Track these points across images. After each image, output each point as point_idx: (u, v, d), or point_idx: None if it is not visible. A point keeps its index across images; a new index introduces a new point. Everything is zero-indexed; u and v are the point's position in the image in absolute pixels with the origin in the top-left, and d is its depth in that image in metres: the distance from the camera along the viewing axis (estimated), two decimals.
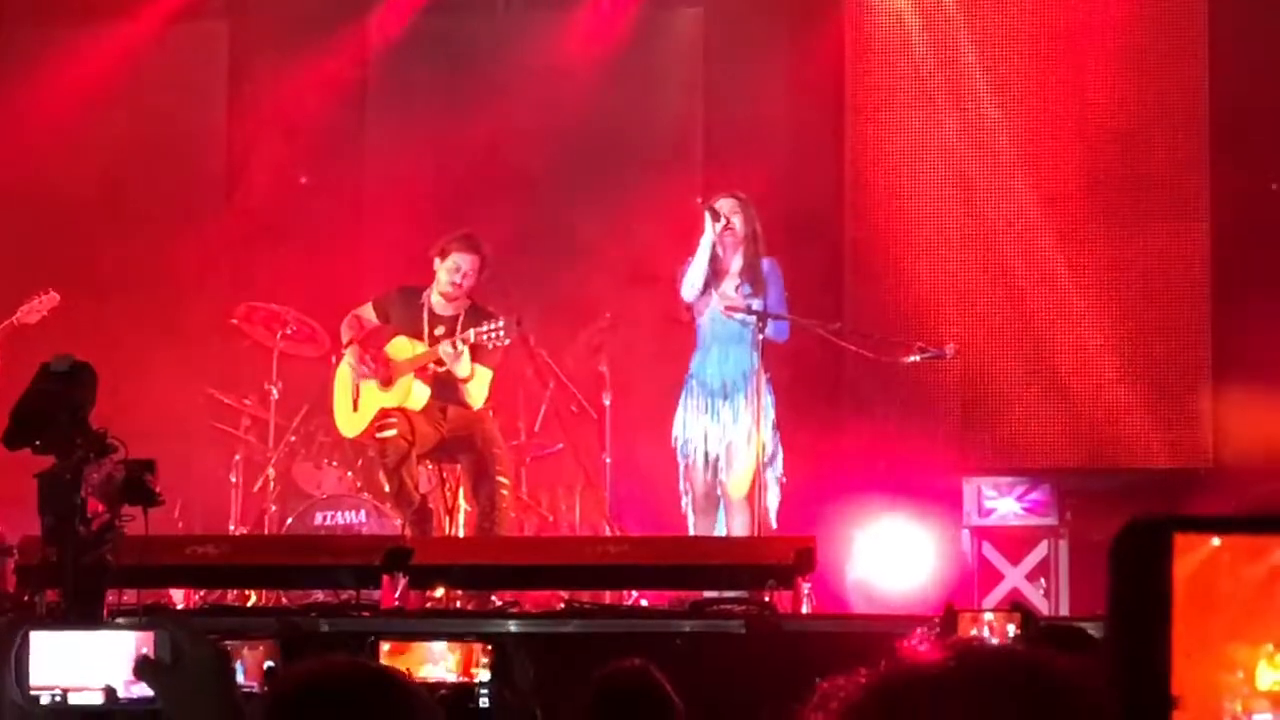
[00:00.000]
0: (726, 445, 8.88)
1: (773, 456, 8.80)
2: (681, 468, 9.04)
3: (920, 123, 10.10)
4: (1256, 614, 1.51)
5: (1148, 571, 1.49)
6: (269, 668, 3.26)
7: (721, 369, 8.96)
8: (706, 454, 8.94)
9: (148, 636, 2.28)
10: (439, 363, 9.28)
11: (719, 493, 8.94)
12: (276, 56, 11.47)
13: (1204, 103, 9.89)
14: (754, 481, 8.73)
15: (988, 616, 5.41)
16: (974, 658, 1.68)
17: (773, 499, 8.79)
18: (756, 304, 8.78)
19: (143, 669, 2.26)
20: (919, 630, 4.04)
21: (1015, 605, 6.12)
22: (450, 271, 9.32)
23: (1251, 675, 1.51)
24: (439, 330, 9.40)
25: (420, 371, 9.34)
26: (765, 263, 8.97)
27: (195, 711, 2.24)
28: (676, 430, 9.07)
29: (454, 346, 9.19)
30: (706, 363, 9.01)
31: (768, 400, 8.80)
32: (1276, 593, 1.51)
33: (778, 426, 8.89)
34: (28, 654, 2.31)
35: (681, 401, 9.05)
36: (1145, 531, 1.50)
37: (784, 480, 8.86)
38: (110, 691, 2.32)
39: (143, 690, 2.29)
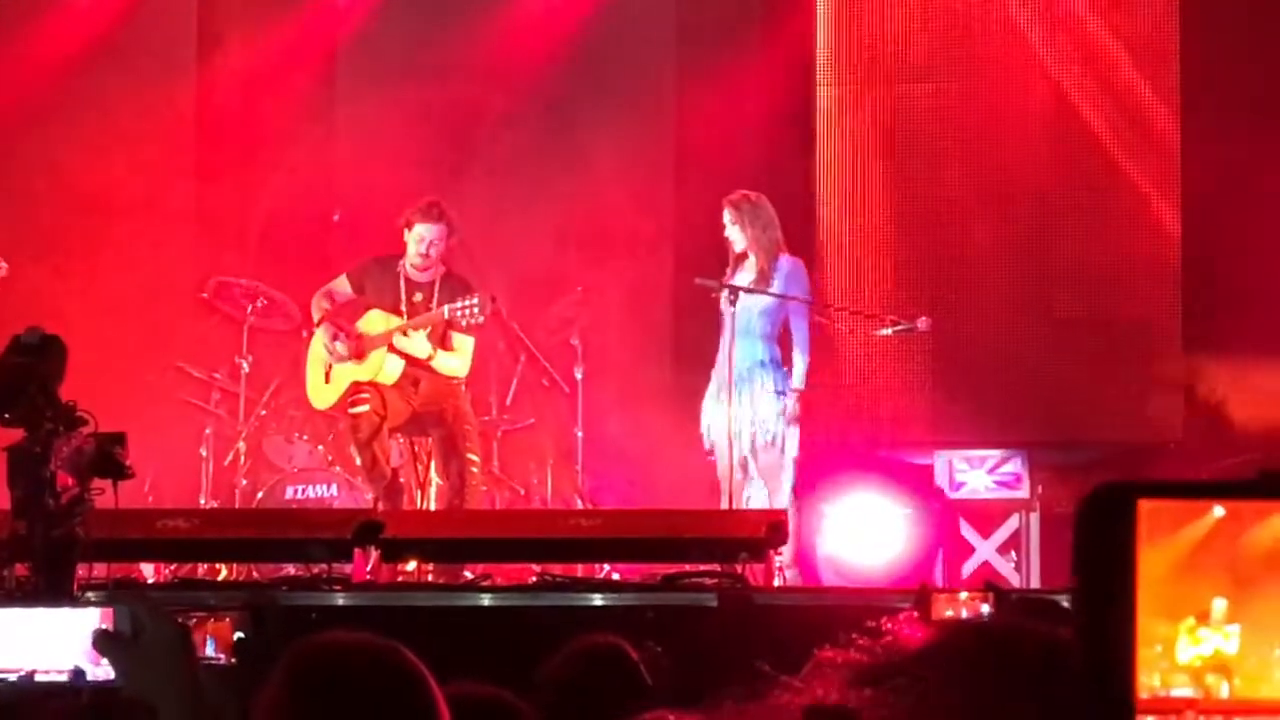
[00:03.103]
0: (738, 431, 8.93)
1: (774, 439, 8.88)
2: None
3: (892, 96, 10.10)
4: (1177, 588, 1.50)
5: (1113, 536, 1.49)
6: (239, 639, 3.25)
7: (736, 360, 8.98)
8: (724, 439, 8.97)
9: (108, 612, 2.27)
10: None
11: (737, 474, 8.97)
12: (246, 27, 11.41)
13: (1175, 75, 9.90)
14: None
15: (962, 596, 5.42)
16: (964, 631, 1.69)
17: (786, 479, 8.92)
18: (770, 301, 8.85)
19: (101, 643, 2.25)
20: (904, 613, 4.05)
21: (988, 585, 6.13)
22: (417, 242, 9.31)
23: (1171, 649, 1.50)
24: (417, 297, 9.40)
25: (393, 345, 9.33)
26: (783, 260, 8.98)
27: (155, 688, 2.23)
28: (702, 417, 9.13)
29: (405, 334, 9.21)
30: (727, 352, 9.06)
31: (769, 388, 8.88)
32: (1197, 567, 1.51)
33: (784, 414, 8.91)
34: None
35: (709, 389, 9.12)
36: (1109, 497, 1.49)
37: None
38: (78, 673, 2.30)
39: (109, 671, 2.27)
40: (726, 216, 9.01)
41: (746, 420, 8.91)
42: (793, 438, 8.93)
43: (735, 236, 8.98)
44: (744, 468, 8.95)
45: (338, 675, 2.55)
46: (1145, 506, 1.49)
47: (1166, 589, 1.49)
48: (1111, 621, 1.46)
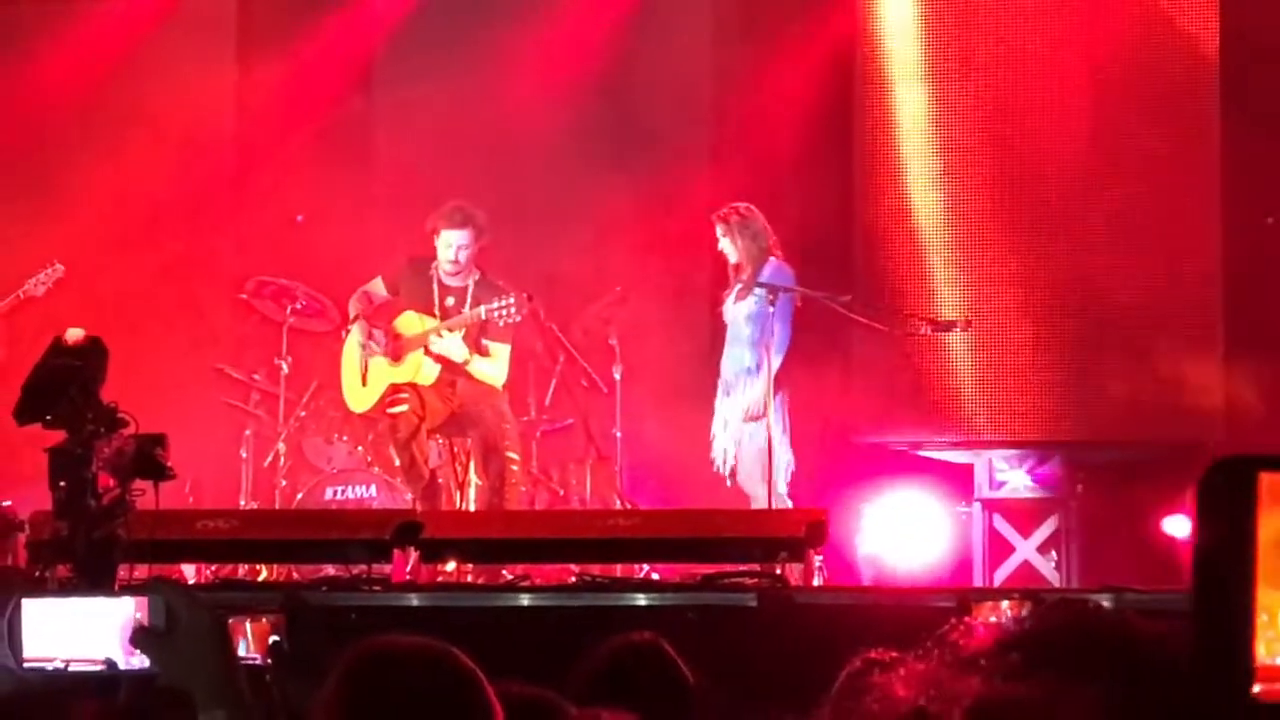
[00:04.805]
0: (724, 435, 9.28)
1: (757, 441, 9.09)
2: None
3: (930, 94, 10.05)
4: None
5: (1233, 507, 1.53)
6: (274, 642, 3.25)
7: (726, 367, 9.37)
8: (722, 444, 9.33)
9: (142, 602, 2.26)
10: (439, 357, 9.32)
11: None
12: (284, 28, 11.44)
13: (1214, 70, 9.83)
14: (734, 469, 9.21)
15: (1003, 604, 5.43)
16: (1051, 616, 1.71)
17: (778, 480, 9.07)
18: (754, 308, 9.16)
19: (138, 638, 2.25)
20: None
21: (1025, 593, 6.12)
22: (445, 248, 9.35)
23: (1275, 618, 1.53)
24: (449, 301, 9.41)
25: (429, 349, 9.36)
26: (767, 265, 9.21)
27: (193, 677, 2.23)
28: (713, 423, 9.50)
29: (440, 335, 9.23)
30: (722, 361, 9.44)
31: (753, 393, 9.08)
32: None
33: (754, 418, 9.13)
34: (20, 623, 2.29)
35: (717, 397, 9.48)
36: (1231, 469, 1.53)
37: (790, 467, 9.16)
38: (111, 664, 2.30)
39: (143, 661, 2.27)
40: (718, 231, 9.35)
41: (736, 425, 9.20)
42: (778, 441, 9.06)
43: (728, 249, 9.34)
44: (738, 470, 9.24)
45: (395, 677, 2.57)
46: (1266, 479, 1.53)
47: (1272, 559, 1.52)
48: (1231, 590, 1.50)
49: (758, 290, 9.12)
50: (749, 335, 9.19)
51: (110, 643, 2.30)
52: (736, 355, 9.28)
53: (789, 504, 8.96)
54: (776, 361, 9.08)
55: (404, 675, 2.60)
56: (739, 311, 9.26)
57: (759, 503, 8.97)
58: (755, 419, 9.10)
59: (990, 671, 1.60)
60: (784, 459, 9.10)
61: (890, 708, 1.63)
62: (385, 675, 2.60)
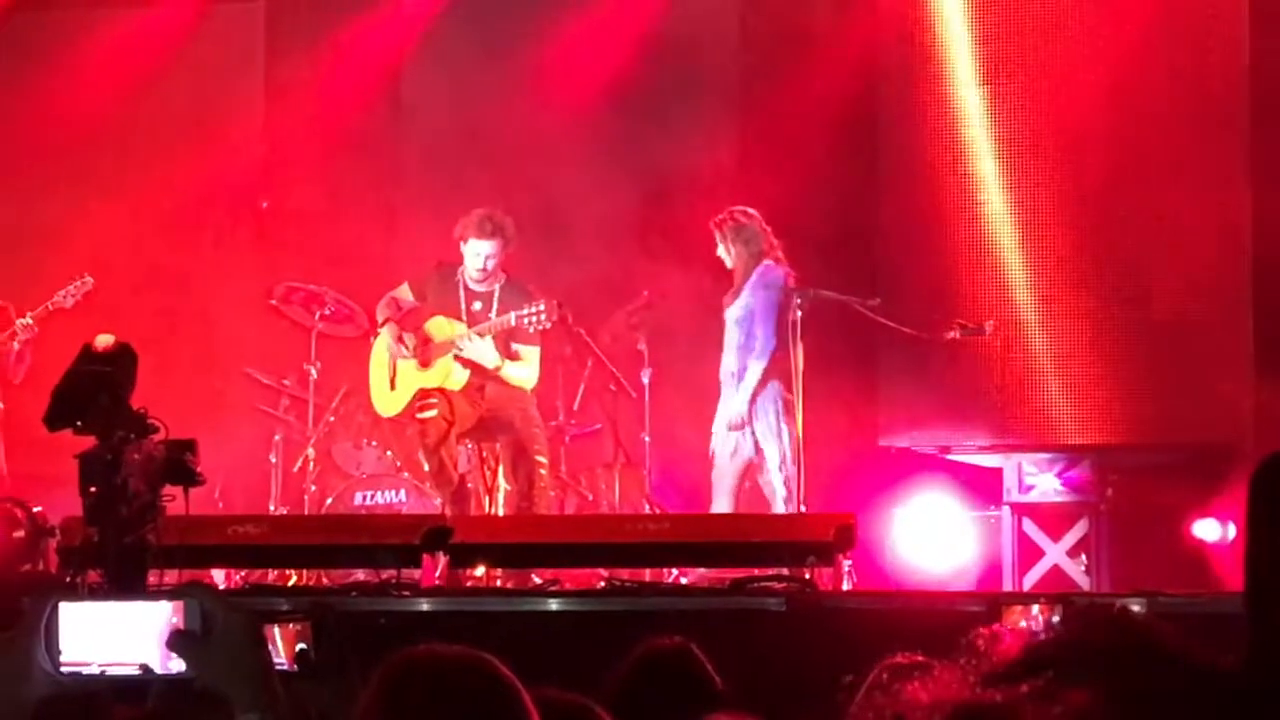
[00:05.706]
0: (722, 441, 9.45)
1: (740, 453, 9.32)
2: None
3: (961, 98, 10.03)
4: None
5: None
6: (300, 650, 3.26)
7: (721, 371, 9.52)
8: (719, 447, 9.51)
9: (178, 606, 2.27)
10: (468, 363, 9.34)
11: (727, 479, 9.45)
12: (313, 35, 11.47)
13: (1243, 69, 9.79)
14: (741, 474, 9.36)
15: (1033, 609, 5.42)
16: (1095, 623, 1.73)
17: (779, 492, 9.18)
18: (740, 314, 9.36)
19: (175, 642, 2.26)
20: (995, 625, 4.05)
21: (1055, 597, 6.10)
22: (473, 257, 9.38)
23: None
24: (476, 306, 9.44)
25: (458, 355, 9.37)
26: (758, 269, 9.37)
27: (230, 680, 2.24)
28: None
29: (469, 340, 9.26)
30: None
31: (737, 400, 9.28)
32: None
33: (748, 423, 9.27)
34: (57, 627, 2.30)
35: None
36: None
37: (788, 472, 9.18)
38: (147, 668, 2.31)
39: (180, 665, 2.28)
40: (716, 237, 9.48)
41: (720, 429, 9.38)
42: (770, 448, 9.10)
43: (724, 255, 9.49)
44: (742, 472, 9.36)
45: (435, 687, 2.58)
46: None
47: None
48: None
49: (745, 295, 9.26)
50: (735, 340, 9.36)
51: (147, 647, 2.30)
52: (725, 361, 9.45)
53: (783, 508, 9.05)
54: (759, 367, 9.19)
55: (444, 685, 2.61)
56: (729, 317, 9.44)
57: (718, 508, 9.14)
58: (737, 428, 9.19)
59: (973, 682, 1.62)
60: (775, 461, 9.15)
61: (877, 716, 1.64)
62: (424, 685, 2.61)
